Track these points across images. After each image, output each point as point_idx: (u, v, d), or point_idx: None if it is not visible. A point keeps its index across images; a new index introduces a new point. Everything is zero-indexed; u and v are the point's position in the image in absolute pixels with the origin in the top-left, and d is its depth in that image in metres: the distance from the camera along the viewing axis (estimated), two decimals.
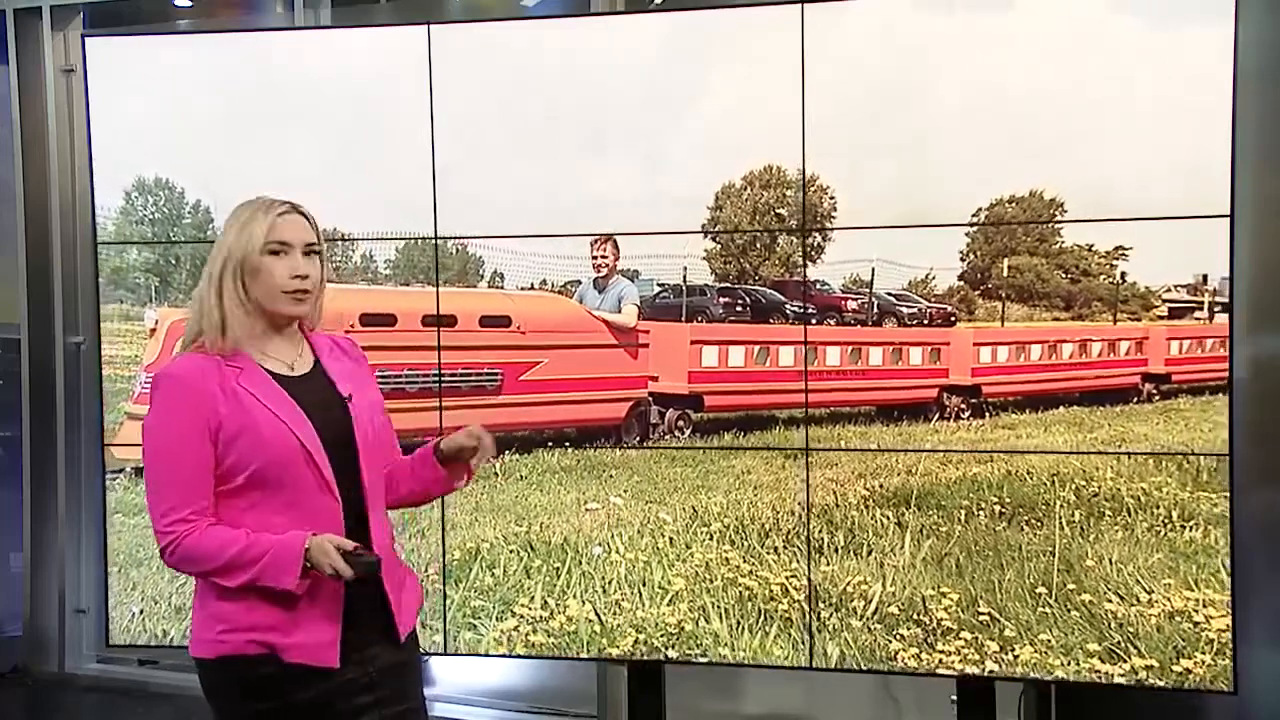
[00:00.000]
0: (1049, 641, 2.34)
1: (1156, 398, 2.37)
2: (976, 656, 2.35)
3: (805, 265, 2.51)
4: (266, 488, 1.64)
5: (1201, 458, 2.33)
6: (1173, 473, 2.31)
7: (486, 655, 2.68)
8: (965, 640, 2.36)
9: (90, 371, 3.50)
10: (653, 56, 2.55)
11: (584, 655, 2.63)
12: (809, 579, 2.49)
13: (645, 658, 2.59)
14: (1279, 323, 2.69)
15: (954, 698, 2.61)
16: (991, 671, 2.41)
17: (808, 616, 2.45)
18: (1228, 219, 2.32)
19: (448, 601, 2.65)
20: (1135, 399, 2.38)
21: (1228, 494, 2.32)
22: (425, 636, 2.68)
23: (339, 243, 2.80)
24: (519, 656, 2.68)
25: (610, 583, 2.53)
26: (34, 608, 3.85)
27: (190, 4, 3.82)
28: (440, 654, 2.76)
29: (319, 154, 2.71)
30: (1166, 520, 2.31)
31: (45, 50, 3.78)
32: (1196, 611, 2.27)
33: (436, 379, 2.65)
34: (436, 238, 2.74)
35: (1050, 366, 2.42)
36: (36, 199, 3.82)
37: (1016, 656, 2.33)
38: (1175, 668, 2.27)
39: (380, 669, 1.70)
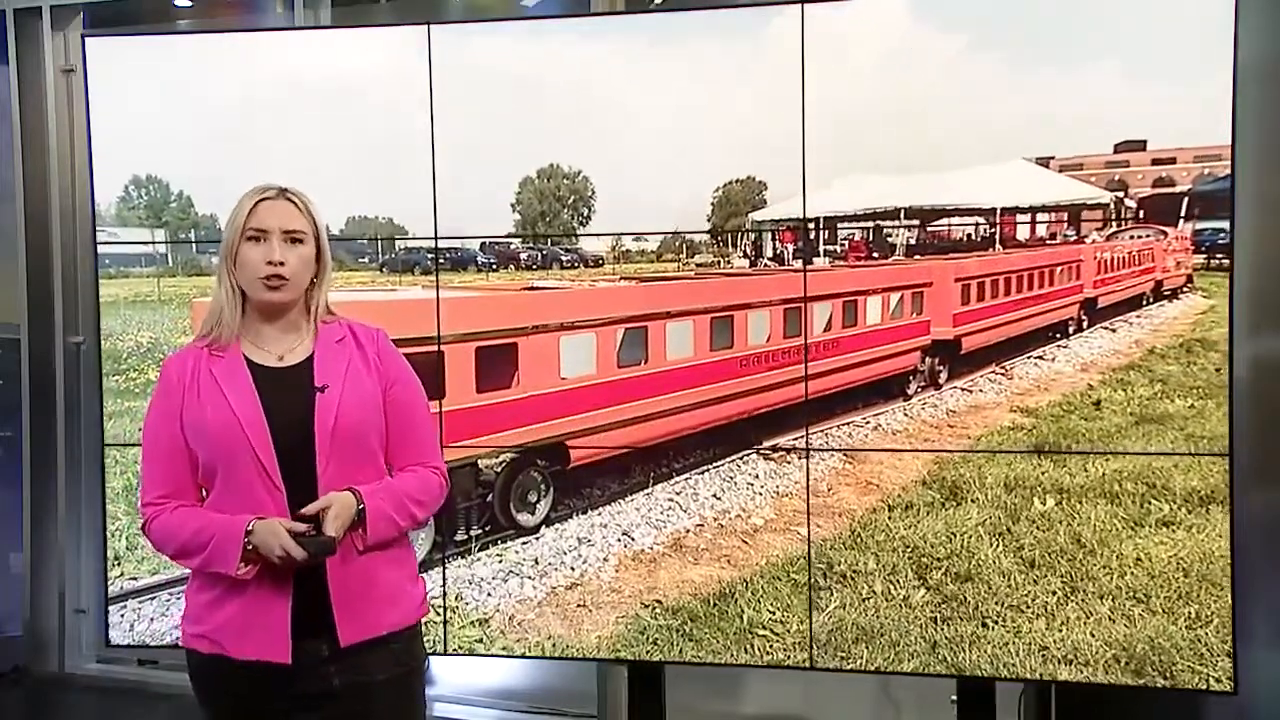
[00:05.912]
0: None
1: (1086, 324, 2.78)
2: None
3: (805, 267, 2.78)
4: (217, 476, 1.72)
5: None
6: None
7: (486, 655, 2.85)
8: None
9: (90, 371, 3.62)
10: (644, 68, 2.82)
11: (584, 656, 2.82)
12: (809, 562, 2.80)
13: (645, 658, 2.79)
14: (1279, 323, 2.83)
15: (954, 698, 2.75)
16: (990, 670, 2.63)
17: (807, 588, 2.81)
18: (1227, 219, 2.46)
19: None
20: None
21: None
22: (427, 636, 2.78)
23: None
24: (518, 657, 2.86)
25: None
26: (34, 607, 3.99)
27: (190, 4, 3.95)
28: (440, 654, 2.90)
29: (318, 153, 2.85)
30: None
31: (45, 50, 3.92)
32: None
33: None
34: (436, 237, 2.90)
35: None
36: (36, 199, 3.96)
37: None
38: None
39: (322, 689, 1.70)
